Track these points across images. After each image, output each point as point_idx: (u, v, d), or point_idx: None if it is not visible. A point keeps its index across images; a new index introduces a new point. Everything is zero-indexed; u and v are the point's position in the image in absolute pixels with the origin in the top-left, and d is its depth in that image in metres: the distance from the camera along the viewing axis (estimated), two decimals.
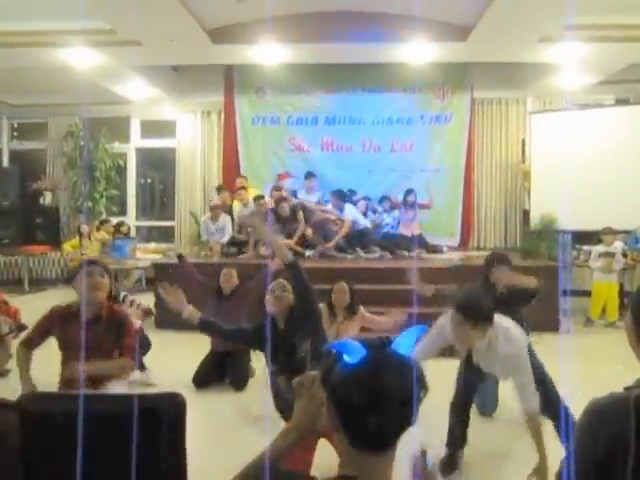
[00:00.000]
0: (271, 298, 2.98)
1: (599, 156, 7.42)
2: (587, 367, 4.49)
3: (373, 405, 1.00)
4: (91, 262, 3.01)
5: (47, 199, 9.67)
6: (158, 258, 7.70)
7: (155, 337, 4.90)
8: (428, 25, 6.42)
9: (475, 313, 2.48)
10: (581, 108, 8.30)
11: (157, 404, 0.84)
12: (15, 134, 10.37)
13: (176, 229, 9.57)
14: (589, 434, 1.13)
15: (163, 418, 0.85)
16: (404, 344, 1.10)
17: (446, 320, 2.66)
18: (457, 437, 3.17)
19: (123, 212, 9.87)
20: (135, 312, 4.41)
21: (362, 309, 4.17)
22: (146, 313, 4.64)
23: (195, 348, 5.54)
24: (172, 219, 9.62)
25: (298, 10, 6.46)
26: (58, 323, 2.84)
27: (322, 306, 3.66)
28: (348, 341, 1.06)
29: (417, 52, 7.06)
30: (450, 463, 3.15)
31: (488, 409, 4.08)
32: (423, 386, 1.07)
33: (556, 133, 7.77)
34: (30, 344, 2.83)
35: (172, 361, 4.93)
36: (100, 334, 2.80)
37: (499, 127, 9.07)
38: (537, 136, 8.13)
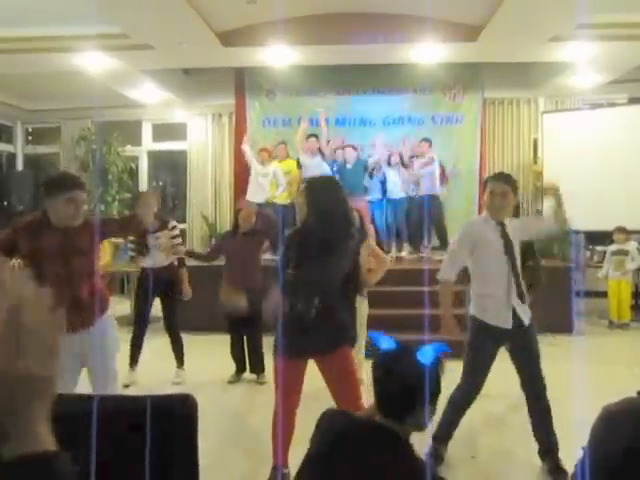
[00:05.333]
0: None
1: (612, 156, 7.35)
2: (602, 369, 4.46)
3: (385, 383, 1.42)
4: (78, 184, 2.77)
5: None
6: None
7: (166, 338, 4.94)
8: (438, 25, 6.40)
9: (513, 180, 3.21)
10: (593, 107, 8.24)
11: (168, 406, 0.84)
12: (29, 138, 10.47)
13: (187, 231, 9.60)
14: (603, 440, 1.11)
15: (174, 420, 0.85)
16: (426, 354, 1.42)
17: (467, 228, 3.26)
18: (450, 431, 3.18)
19: None
20: (166, 242, 4.77)
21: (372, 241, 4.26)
22: (175, 250, 4.86)
23: (211, 348, 5.56)
24: (184, 221, 9.66)
25: (308, 12, 6.47)
26: (26, 236, 2.69)
27: None
28: (385, 336, 1.49)
29: (428, 53, 7.04)
30: (437, 456, 3.15)
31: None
32: (436, 386, 1.45)
33: (568, 133, 7.71)
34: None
35: (191, 363, 4.96)
36: (75, 238, 2.72)
37: (510, 128, 9.01)
38: (549, 136, 8.07)
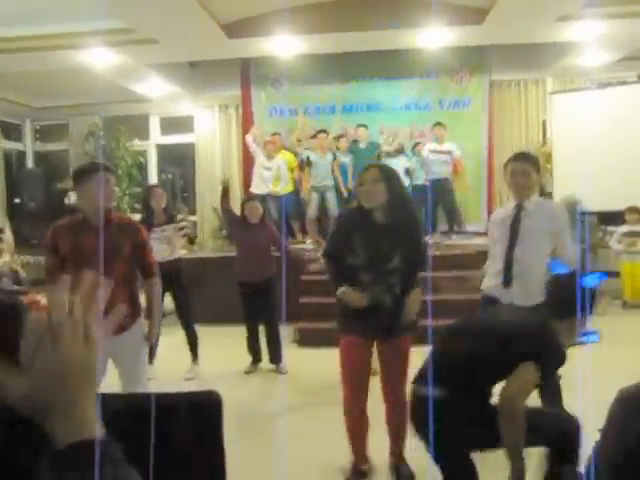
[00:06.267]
0: (362, 193, 2.65)
1: (622, 135, 7.27)
2: (616, 349, 4.45)
3: (556, 292, 2.22)
4: (106, 167, 2.85)
5: (72, 199, 9.82)
6: (182, 254, 7.77)
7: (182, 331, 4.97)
8: (444, 9, 6.34)
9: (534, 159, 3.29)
10: (603, 87, 8.12)
11: (193, 402, 0.86)
12: (38, 136, 10.54)
13: (198, 223, 9.64)
14: (620, 422, 1.13)
15: (200, 416, 0.87)
16: (590, 280, 2.08)
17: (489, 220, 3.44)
18: None
19: None
20: (177, 237, 4.80)
21: None
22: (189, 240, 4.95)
23: (224, 340, 5.58)
24: (193, 214, 9.70)
25: (312, 0, 6.43)
26: (65, 234, 2.74)
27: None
28: (560, 263, 2.43)
29: (433, 37, 6.98)
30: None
31: None
32: (592, 302, 2.06)
33: (577, 113, 7.63)
34: (54, 271, 2.72)
35: (205, 355, 4.97)
36: (115, 237, 2.76)
37: (518, 109, 8.93)
38: (558, 117, 8.00)
